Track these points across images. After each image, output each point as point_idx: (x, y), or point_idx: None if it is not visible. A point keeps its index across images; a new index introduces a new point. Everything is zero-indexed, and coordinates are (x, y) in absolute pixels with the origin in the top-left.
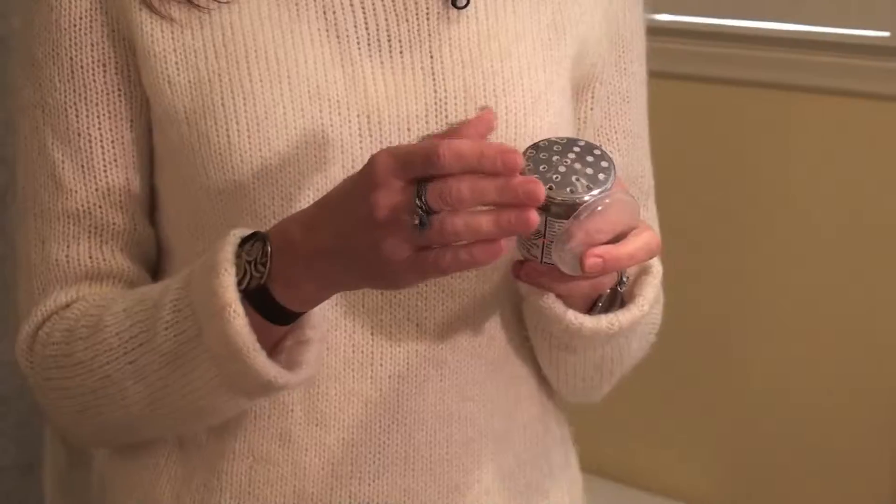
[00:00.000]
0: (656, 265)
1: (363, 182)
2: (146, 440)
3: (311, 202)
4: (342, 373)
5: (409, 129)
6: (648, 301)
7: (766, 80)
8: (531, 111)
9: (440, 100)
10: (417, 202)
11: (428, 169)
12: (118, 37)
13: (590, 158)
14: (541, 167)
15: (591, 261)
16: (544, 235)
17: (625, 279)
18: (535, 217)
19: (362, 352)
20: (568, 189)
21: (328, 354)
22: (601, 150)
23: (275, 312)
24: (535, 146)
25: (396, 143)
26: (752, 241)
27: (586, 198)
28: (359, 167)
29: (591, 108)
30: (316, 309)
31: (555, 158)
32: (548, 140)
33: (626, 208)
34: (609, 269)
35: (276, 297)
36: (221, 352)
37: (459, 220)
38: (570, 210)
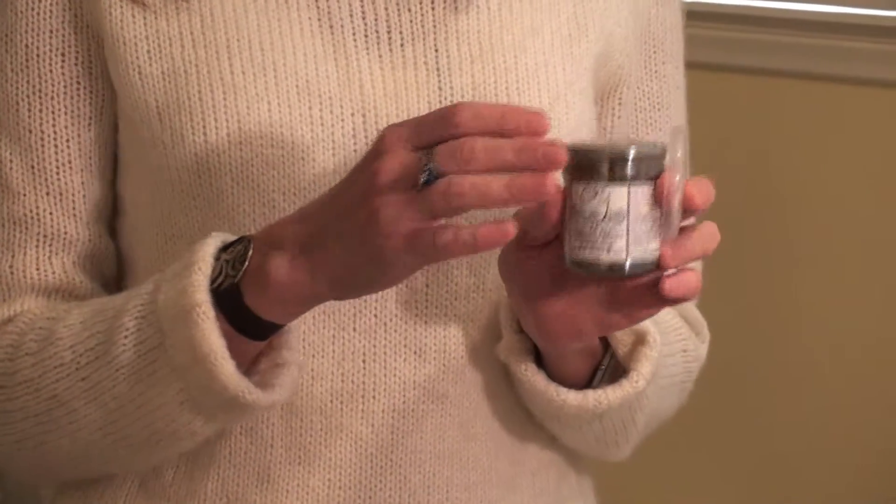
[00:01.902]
0: (653, 334)
1: (368, 155)
2: (96, 476)
3: (297, 209)
4: (329, 405)
5: None
6: (644, 377)
7: (798, 69)
8: (548, 112)
9: (445, 98)
10: (425, 161)
11: (441, 129)
12: (81, 24)
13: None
14: (600, 142)
15: (700, 188)
16: (628, 213)
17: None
18: (552, 183)
19: (352, 381)
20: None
21: (313, 383)
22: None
23: (246, 322)
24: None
25: None
26: (783, 250)
27: (662, 143)
28: None
29: (619, 117)
30: (293, 330)
31: (601, 142)
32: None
33: (684, 147)
34: (709, 196)
35: (248, 300)
36: (185, 360)
37: (467, 181)
38: (652, 171)
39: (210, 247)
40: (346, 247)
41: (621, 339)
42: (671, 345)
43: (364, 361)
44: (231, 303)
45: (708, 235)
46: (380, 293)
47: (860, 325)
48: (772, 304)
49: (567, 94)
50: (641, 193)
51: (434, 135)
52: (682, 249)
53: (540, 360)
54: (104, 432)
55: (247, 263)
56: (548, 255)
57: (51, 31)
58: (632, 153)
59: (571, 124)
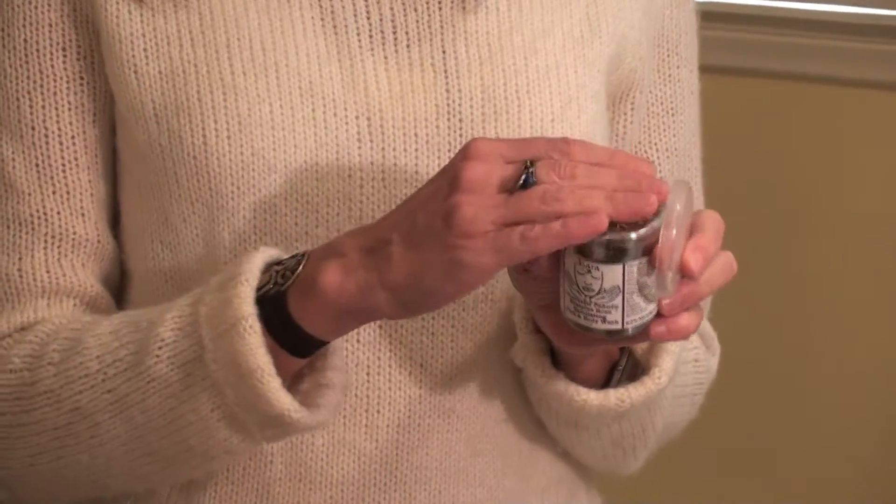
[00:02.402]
0: None
1: (452, 161)
2: (106, 495)
3: (300, 216)
4: (332, 420)
5: (416, 134)
6: (666, 373)
7: (819, 73)
8: (560, 117)
9: (453, 101)
10: (522, 168)
11: (545, 149)
12: (81, 18)
13: None
14: None
15: (694, 256)
16: (623, 289)
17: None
18: (654, 201)
19: (356, 395)
20: (639, 222)
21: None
22: None
23: (288, 335)
24: None
25: (402, 150)
26: (806, 258)
27: (653, 224)
28: (357, 175)
29: (631, 122)
30: (338, 350)
31: None
32: None
33: (688, 200)
34: (710, 256)
35: (293, 309)
36: (228, 375)
37: (567, 187)
38: (649, 242)
39: (258, 259)
40: (414, 246)
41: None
42: (685, 352)
43: (368, 374)
44: (275, 313)
45: (718, 273)
46: None
47: (869, 331)
48: (782, 310)
49: (579, 98)
50: (637, 267)
51: (534, 152)
52: (683, 302)
53: (555, 362)
54: (128, 448)
55: (298, 271)
56: (550, 280)
57: (50, 25)
58: (632, 239)
59: (584, 128)
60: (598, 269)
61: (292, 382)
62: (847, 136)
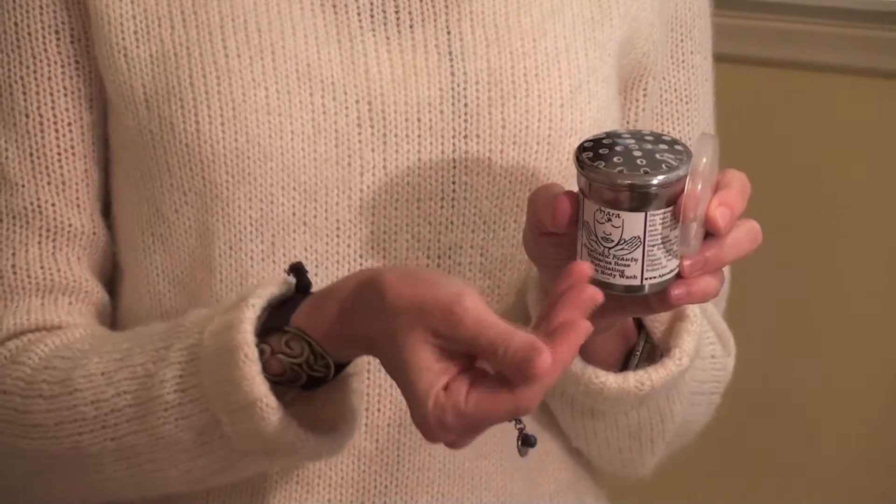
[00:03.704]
0: (693, 309)
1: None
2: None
3: (298, 205)
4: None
5: (418, 119)
6: (687, 354)
7: (842, 62)
8: (570, 102)
9: (458, 84)
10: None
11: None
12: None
13: (649, 137)
14: (615, 160)
15: (720, 210)
16: (644, 240)
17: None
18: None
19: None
20: (664, 166)
21: (361, 373)
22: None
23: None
24: (588, 143)
25: (404, 136)
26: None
27: (678, 172)
28: (357, 162)
29: (643, 109)
30: (360, 372)
31: (619, 148)
32: (592, 136)
33: (714, 154)
34: (736, 212)
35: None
36: (256, 447)
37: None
38: (673, 192)
39: (249, 326)
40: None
41: (658, 319)
42: (703, 345)
43: (368, 372)
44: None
45: (744, 238)
46: None
47: (881, 326)
48: (791, 305)
49: (590, 82)
50: (660, 218)
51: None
52: (705, 264)
53: None
54: (138, 486)
55: (330, 361)
56: (568, 240)
57: (41, 8)
58: (654, 184)
59: (594, 114)
60: (618, 216)
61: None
62: (861, 125)
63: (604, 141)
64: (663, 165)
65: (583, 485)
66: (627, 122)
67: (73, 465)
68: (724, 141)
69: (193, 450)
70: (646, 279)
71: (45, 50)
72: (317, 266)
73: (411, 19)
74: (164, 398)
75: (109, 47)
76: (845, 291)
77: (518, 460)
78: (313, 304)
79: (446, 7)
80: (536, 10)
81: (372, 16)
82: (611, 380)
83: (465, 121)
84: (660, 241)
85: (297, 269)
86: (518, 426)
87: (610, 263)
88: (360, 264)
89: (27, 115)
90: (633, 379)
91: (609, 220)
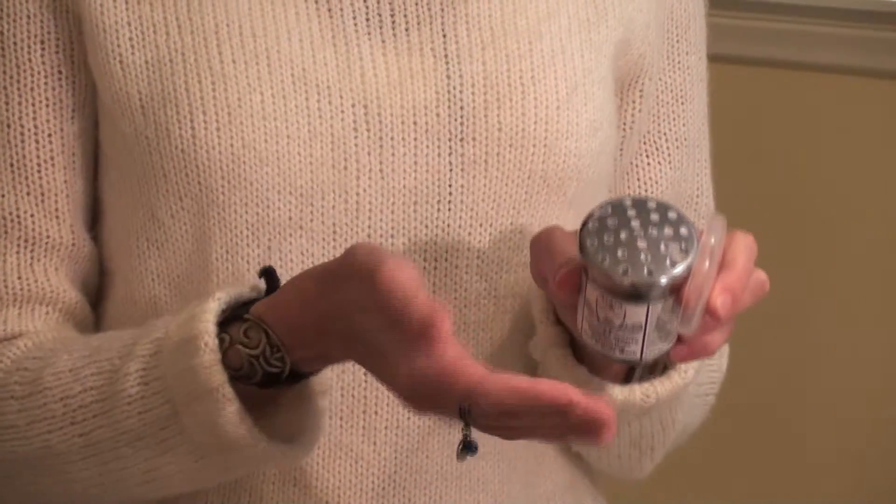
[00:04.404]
0: None
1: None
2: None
3: (294, 209)
4: (327, 421)
5: (415, 123)
6: (693, 366)
7: (842, 62)
8: (566, 104)
9: (454, 87)
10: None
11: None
12: (61, 8)
13: (654, 216)
14: (619, 252)
15: (722, 298)
16: (645, 327)
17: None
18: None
19: (353, 396)
20: (668, 263)
21: (327, 393)
22: (655, 200)
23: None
24: (594, 224)
25: (400, 139)
26: (821, 259)
27: (682, 267)
28: (353, 166)
29: (639, 110)
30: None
31: (624, 235)
32: (601, 208)
33: (723, 235)
34: (739, 296)
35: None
36: (209, 440)
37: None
38: (677, 283)
39: (209, 312)
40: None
41: None
42: None
43: (365, 374)
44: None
45: (747, 296)
46: None
47: (880, 326)
48: (789, 305)
49: (586, 84)
50: (661, 306)
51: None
52: (703, 349)
53: (575, 356)
54: (103, 487)
55: (284, 354)
56: (574, 298)
57: (28, 17)
58: (658, 284)
59: (590, 116)
60: (620, 307)
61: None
62: (860, 125)
63: (609, 223)
64: (668, 262)
65: (580, 486)
66: (625, 124)
67: (43, 466)
68: (724, 142)
69: (155, 446)
70: (646, 355)
71: (30, 60)
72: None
73: (406, 23)
74: (127, 391)
75: (105, 55)
76: (845, 292)
77: (516, 463)
78: (277, 293)
79: (442, 10)
80: (532, 13)
81: (367, 20)
82: (616, 392)
83: (462, 124)
84: (661, 324)
85: (269, 273)
86: (463, 431)
87: (611, 342)
88: None
89: (9, 125)
90: (638, 391)
91: (611, 308)
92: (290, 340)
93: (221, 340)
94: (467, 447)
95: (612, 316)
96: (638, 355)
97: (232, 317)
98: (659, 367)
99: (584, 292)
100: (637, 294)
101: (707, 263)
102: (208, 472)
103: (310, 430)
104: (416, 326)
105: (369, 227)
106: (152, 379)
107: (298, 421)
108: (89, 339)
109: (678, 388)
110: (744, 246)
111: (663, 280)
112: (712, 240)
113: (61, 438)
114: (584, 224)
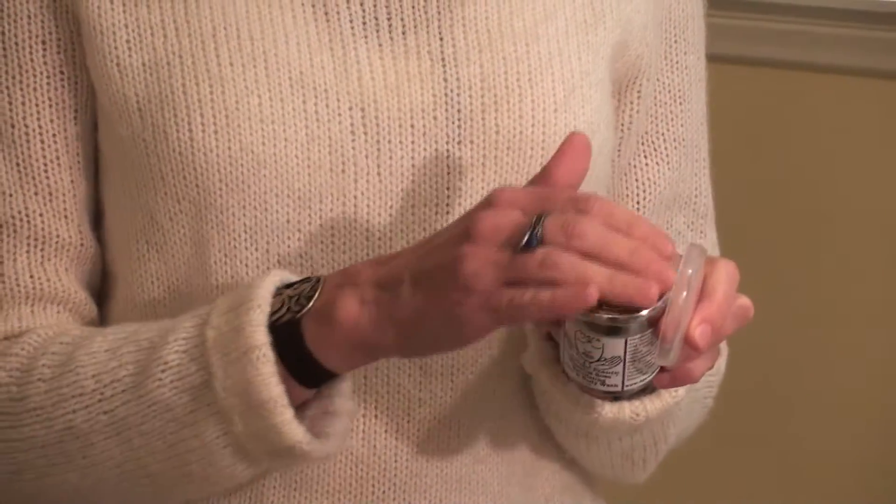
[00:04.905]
0: None
1: (474, 207)
2: None
3: (292, 212)
4: (341, 449)
5: (412, 125)
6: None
7: (826, 62)
8: (563, 106)
9: (451, 90)
10: (533, 224)
11: (566, 206)
12: (60, 8)
13: None
14: None
15: (700, 329)
16: (624, 359)
17: None
18: (655, 292)
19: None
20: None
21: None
22: None
23: (301, 365)
24: None
25: (397, 142)
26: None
27: (665, 298)
28: (351, 169)
29: (637, 111)
30: (348, 378)
31: None
32: None
33: (701, 266)
34: (718, 327)
35: (308, 340)
36: (239, 404)
37: (567, 257)
38: (655, 317)
39: (269, 283)
40: (420, 291)
41: None
42: None
43: (365, 378)
44: (289, 341)
45: (729, 322)
46: None
47: (880, 326)
48: (788, 308)
49: (583, 86)
50: (640, 339)
51: (555, 206)
52: (685, 377)
53: None
54: (122, 470)
55: (313, 301)
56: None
57: (29, 17)
58: (634, 320)
59: (588, 118)
60: (598, 340)
61: (298, 408)
62: (854, 126)
63: None
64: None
65: (579, 488)
66: (622, 124)
67: (61, 454)
68: (724, 142)
69: (183, 418)
70: (627, 386)
71: (32, 60)
72: (311, 273)
73: (404, 26)
74: (164, 359)
75: (102, 57)
76: (844, 292)
77: (514, 465)
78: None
79: (438, 13)
80: (529, 15)
81: (364, 23)
82: (606, 409)
83: (459, 126)
84: (640, 356)
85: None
86: (535, 226)
87: (591, 374)
88: None
89: (13, 125)
90: (628, 409)
91: (589, 341)
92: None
93: (274, 306)
94: (531, 240)
95: (591, 349)
96: (620, 388)
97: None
98: (650, 385)
99: (564, 325)
100: (615, 328)
101: (683, 294)
102: (232, 452)
103: (336, 426)
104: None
105: (367, 229)
106: (192, 346)
107: (325, 417)
108: (124, 325)
109: (668, 406)
110: (724, 275)
111: (639, 317)
112: (689, 271)
113: (86, 417)
114: None
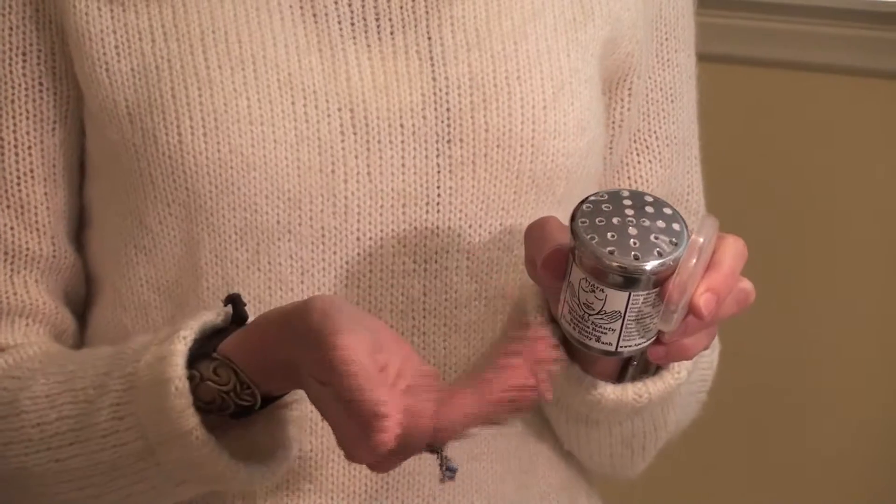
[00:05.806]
0: None
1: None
2: None
3: (282, 213)
4: (319, 424)
5: (401, 125)
6: (686, 367)
7: (841, 62)
8: (552, 104)
9: (440, 89)
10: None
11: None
12: (44, 19)
13: (649, 209)
14: (609, 235)
15: (706, 297)
16: (624, 315)
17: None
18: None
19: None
20: (656, 252)
21: (302, 400)
22: (652, 196)
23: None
24: (588, 207)
25: (387, 142)
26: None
27: (669, 259)
28: (341, 169)
29: (628, 109)
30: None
31: (616, 220)
32: (598, 194)
33: (713, 236)
34: (723, 298)
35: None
36: (185, 473)
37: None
38: (662, 276)
39: (177, 355)
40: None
41: None
42: None
43: None
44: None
45: (730, 303)
46: (374, 301)
47: (870, 325)
48: (783, 304)
49: (572, 83)
50: (643, 298)
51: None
52: (684, 333)
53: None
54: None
55: (255, 389)
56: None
57: (11, 29)
58: (642, 271)
59: (577, 115)
60: (602, 291)
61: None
62: (849, 125)
63: (604, 207)
64: (656, 251)
65: (574, 485)
66: (614, 122)
67: (19, 485)
68: (722, 143)
69: (131, 475)
70: (621, 347)
71: (11, 72)
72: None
73: (391, 26)
74: (101, 425)
75: (91, 63)
76: (844, 291)
77: (510, 463)
78: (243, 333)
79: (426, 13)
80: (517, 13)
81: (352, 24)
82: (609, 391)
83: (448, 125)
84: (640, 317)
85: (234, 301)
86: (439, 459)
87: (588, 328)
88: (346, 271)
89: None
90: (631, 391)
91: (592, 291)
92: (259, 378)
93: (192, 378)
94: (449, 470)
95: (593, 300)
96: (613, 346)
97: (200, 353)
98: (652, 367)
99: (569, 275)
100: (621, 278)
101: (694, 261)
102: (186, 495)
103: (286, 444)
104: (364, 417)
105: (358, 230)
106: (126, 414)
107: (275, 438)
108: (65, 362)
109: (671, 389)
110: (733, 250)
111: (648, 267)
112: (701, 239)
113: (37, 462)
114: (579, 206)
